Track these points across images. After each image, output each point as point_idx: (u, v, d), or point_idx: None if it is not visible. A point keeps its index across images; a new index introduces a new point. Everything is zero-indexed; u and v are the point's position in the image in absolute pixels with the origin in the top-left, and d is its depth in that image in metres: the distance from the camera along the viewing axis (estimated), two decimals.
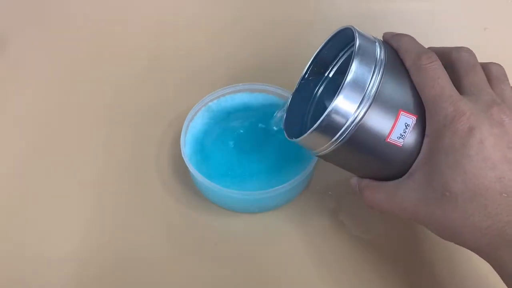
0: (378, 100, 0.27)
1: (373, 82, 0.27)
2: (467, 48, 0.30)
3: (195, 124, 0.40)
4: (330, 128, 0.28)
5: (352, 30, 0.29)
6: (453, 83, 0.28)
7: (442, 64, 0.28)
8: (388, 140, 0.28)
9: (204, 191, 0.39)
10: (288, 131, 0.33)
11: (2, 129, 0.45)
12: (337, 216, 0.38)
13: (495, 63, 0.30)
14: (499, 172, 0.25)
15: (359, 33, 0.29)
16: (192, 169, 0.37)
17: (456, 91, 0.27)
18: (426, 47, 0.30)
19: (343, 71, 0.35)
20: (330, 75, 0.36)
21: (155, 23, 0.54)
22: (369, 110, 0.27)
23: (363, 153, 0.29)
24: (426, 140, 0.28)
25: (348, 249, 0.37)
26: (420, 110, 0.28)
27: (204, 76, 0.48)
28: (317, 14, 0.54)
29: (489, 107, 0.26)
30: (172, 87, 0.48)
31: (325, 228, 0.38)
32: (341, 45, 0.34)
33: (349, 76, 0.27)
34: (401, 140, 0.28)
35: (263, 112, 0.41)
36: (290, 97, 0.35)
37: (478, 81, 0.28)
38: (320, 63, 0.35)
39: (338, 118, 0.27)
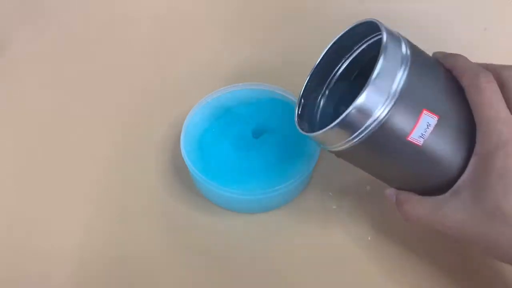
0: (403, 98, 0.27)
1: (399, 79, 0.27)
2: None
3: (195, 123, 0.40)
4: (351, 125, 0.27)
5: (377, 24, 0.28)
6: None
7: None
8: (408, 138, 0.27)
9: (204, 191, 0.39)
10: (299, 125, 0.32)
11: (2, 129, 0.45)
12: (337, 216, 0.38)
13: None
14: None
15: (386, 29, 0.28)
16: (192, 168, 0.37)
17: (510, 114, 0.27)
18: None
19: (358, 64, 0.34)
20: (343, 67, 0.35)
21: (155, 22, 0.54)
22: (393, 108, 0.26)
23: (380, 152, 0.29)
24: (474, 158, 0.28)
25: (348, 249, 0.37)
26: (442, 111, 0.28)
27: (204, 76, 0.48)
28: (318, 14, 0.54)
29: None
30: (172, 86, 0.48)
31: (325, 228, 0.38)
32: (358, 38, 0.33)
33: (375, 73, 0.26)
34: (421, 139, 0.28)
35: (264, 111, 0.41)
36: (303, 89, 0.34)
37: None
38: (334, 54, 0.34)
39: (360, 116, 0.26)
